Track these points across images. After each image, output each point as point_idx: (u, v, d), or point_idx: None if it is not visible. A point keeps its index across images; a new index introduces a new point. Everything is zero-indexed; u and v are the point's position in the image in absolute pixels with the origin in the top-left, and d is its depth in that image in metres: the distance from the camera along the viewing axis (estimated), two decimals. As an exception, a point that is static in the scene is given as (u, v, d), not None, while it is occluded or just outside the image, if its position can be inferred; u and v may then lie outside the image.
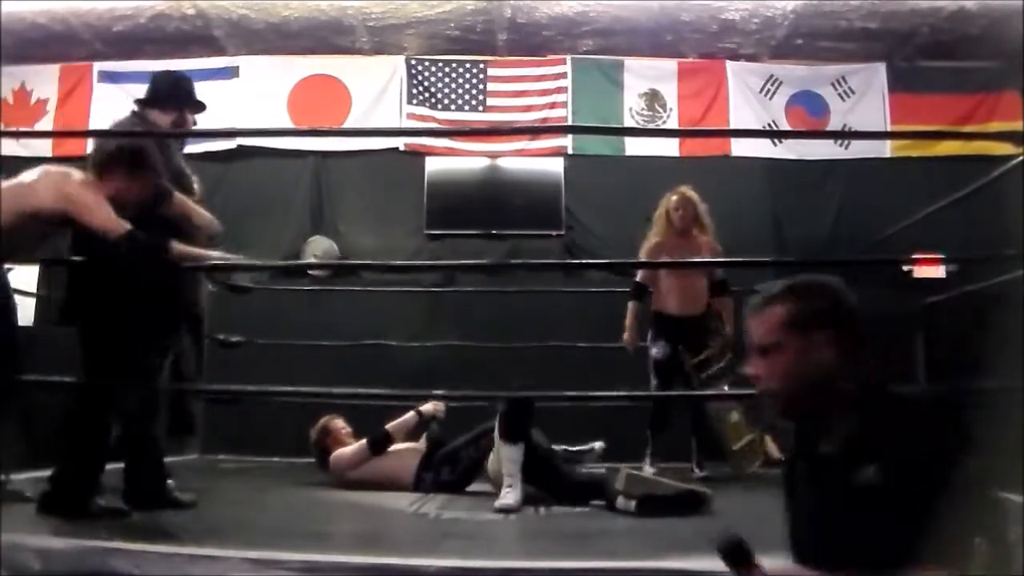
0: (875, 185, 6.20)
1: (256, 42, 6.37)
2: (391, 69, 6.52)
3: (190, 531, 2.61)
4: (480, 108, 6.54)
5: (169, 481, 3.13)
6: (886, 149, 6.43)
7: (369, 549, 2.47)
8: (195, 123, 3.36)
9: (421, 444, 4.17)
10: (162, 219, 2.93)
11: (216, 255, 3.01)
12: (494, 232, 6.31)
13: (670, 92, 6.53)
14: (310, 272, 6.10)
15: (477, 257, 6.24)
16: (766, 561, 1.33)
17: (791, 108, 6.51)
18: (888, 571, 1.19)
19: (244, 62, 6.48)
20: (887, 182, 6.16)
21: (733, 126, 6.38)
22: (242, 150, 6.26)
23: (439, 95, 6.55)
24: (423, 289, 5.75)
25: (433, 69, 6.58)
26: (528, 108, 6.50)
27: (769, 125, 6.46)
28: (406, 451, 4.11)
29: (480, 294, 5.71)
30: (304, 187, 6.44)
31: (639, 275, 4.69)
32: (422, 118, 6.49)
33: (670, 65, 6.55)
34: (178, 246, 2.87)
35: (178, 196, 3.02)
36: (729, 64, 6.52)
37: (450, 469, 3.95)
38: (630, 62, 6.55)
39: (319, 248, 6.24)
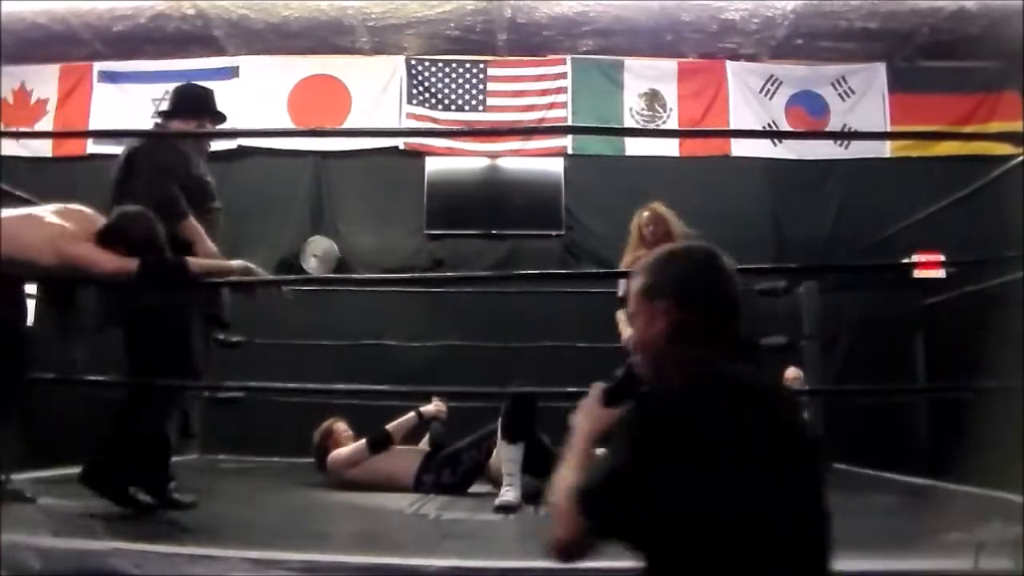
0: (875, 185, 6.20)
1: (256, 42, 6.37)
2: (391, 69, 6.52)
3: (190, 531, 2.62)
4: (480, 108, 6.54)
5: (171, 483, 3.13)
6: (886, 149, 6.43)
7: (369, 549, 2.46)
8: None
9: (423, 445, 4.16)
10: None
11: (236, 264, 3.01)
12: (494, 232, 6.31)
13: (670, 92, 6.53)
14: (309, 272, 6.10)
15: (477, 257, 6.24)
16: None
17: (791, 108, 6.51)
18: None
19: (244, 62, 6.48)
20: (887, 182, 6.16)
21: (733, 126, 6.38)
22: (242, 150, 6.26)
23: (439, 95, 6.55)
24: (423, 289, 5.74)
25: (433, 69, 6.58)
26: (528, 108, 6.50)
27: (769, 125, 6.46)
28: (407, 452, 4.11)
29: (480, 294, 5.70)
30: (304, 187, 6.43)
31: (620, 290, 4.70)
32: (422, 118, 6.49)
33: (670, 65, 6.55)
34: (196, 261, 2.88)
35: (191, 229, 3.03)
36: (729, 64, 6.52)
37: (451, 471, 3.94)
38: (630, 62, 6.55)
39: (319, 248, 6.23)
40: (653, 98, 6.54)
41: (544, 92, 6.53)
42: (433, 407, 4.23)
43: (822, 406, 5.43)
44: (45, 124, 6.49)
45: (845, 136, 6.89)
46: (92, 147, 6.28)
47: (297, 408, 4.60)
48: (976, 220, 4.98)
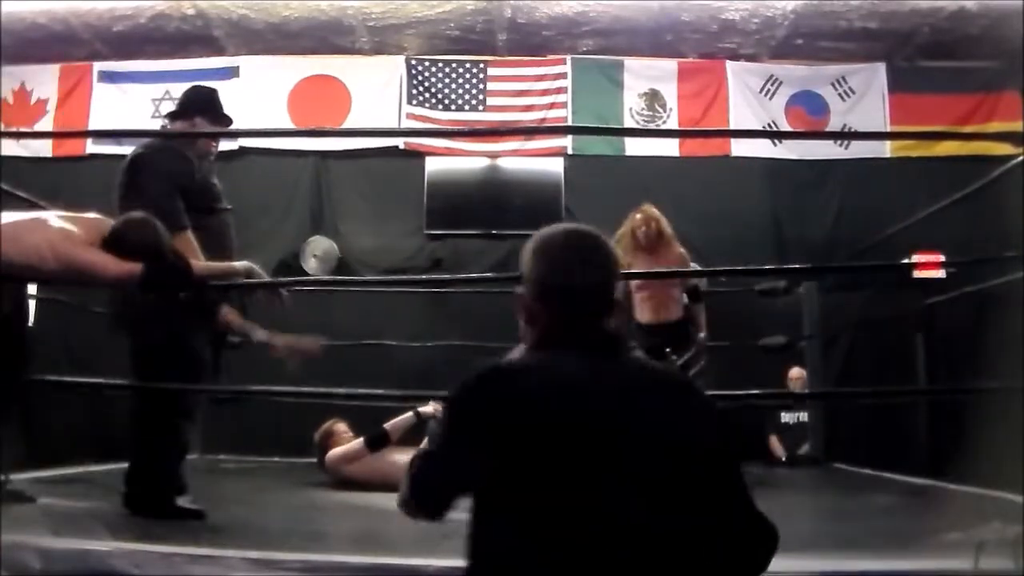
0: (875, 185, 6.20)
1: (256, 42, 6.37)
2: (391, 69, 6.52)
3: (190, 531, 2.61)
4: (480, 108, 6.54)
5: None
6: (886, 149, 6.43)
7: (369, 549, 2.47)
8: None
9: (423, 445, 4.16)
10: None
11: (241, 266, 2.99)
12: (494, 232, 6.31)
13: (670, 92, 6.53)
14: (309, 272, 6.09)
15: (477, 257, 6.24)
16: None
17: (791, 108, 6.51)
18: None
19: (244, 62, 6.48)
20: (887, 182, 6.16)
21: (733, 126, 6.38)
22: (242, 150, 6.25)
23: (439, 95, 6.55)
24: (423, 289, 5.74)
25: (433, 69, 6.58)
26: (528, 108, 6.50)
27: (769, 125, 6.45)
28: (405, 451, 4.11)
29: (480, 294, 5.70)
30: (304, 187, 6.44)
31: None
32: (422, 118, 6.50)
33: (670, 65, 6.55)
34: (200, 265, 2.86)
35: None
36: (729, 64, 6.53)
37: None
38: (630, 62, 6.55)
39: (319, 248, 6.23)
40: (653, 98, 6.54)
41: (544, 92, 6.53)
42: (431, 407, 4.23)
43: (822, 406, 5.43)
44: (45, 124, 6.49)
45: (845, 136, 6.89)
46: (92, 147, 6.29)
47: (297, 408, 4.60)
48: (976, 220, 4.97)
